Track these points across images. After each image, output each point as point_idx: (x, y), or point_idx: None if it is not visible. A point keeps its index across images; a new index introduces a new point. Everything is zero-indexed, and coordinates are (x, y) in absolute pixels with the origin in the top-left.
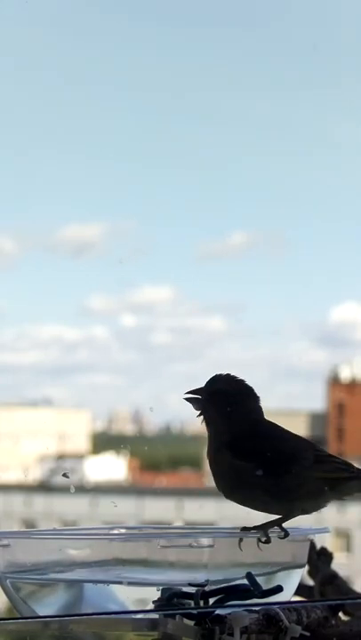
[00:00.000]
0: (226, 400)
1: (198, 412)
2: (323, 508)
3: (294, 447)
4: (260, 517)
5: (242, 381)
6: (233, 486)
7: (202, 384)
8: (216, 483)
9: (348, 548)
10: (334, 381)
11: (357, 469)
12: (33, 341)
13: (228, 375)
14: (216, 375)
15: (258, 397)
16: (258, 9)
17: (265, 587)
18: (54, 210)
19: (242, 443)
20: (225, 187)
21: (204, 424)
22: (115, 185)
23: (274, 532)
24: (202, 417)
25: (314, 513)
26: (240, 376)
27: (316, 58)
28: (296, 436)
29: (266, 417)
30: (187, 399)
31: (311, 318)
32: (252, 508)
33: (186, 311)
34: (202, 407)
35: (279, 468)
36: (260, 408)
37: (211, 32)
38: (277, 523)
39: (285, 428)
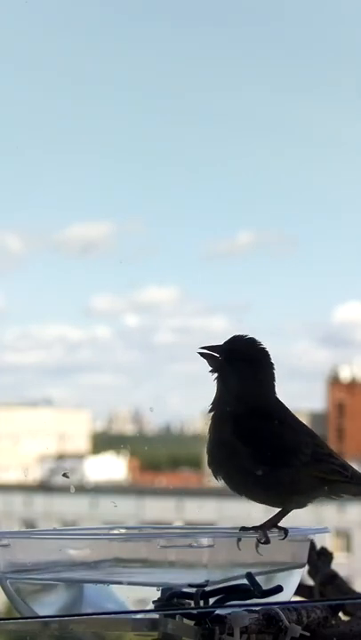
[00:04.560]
0: (241, 364)
1: (210, 369)
2: (310, 504)
3: (296, 440)
4: (260, 518)
5: (261, 348)
6: (223, 463)
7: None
8: (210, 450)
9: (348, 548)
10: (334, 381)
11: (352, 473)
12: (36, 341)
13: (249, 338)
14: (237, 336)
15: (272, 364)
16: (259, 8)
17: (265, 587)
18: (59, 209)
19: (246, 420)
20: (229, 187)
21: (216, 382)
22: (120, 184)
23: (273, 533)
24: (214, 375)
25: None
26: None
27: (324, 57)
28: (300, 425)
29: None
30: (202, 355)
31: (313, 318)
32: (236, 490)
33: (189, 311)
34: (217, 366)
35: (277, 459)
36: (273, 376)
37: (214, 32)
38: (277, 523)
39: None
